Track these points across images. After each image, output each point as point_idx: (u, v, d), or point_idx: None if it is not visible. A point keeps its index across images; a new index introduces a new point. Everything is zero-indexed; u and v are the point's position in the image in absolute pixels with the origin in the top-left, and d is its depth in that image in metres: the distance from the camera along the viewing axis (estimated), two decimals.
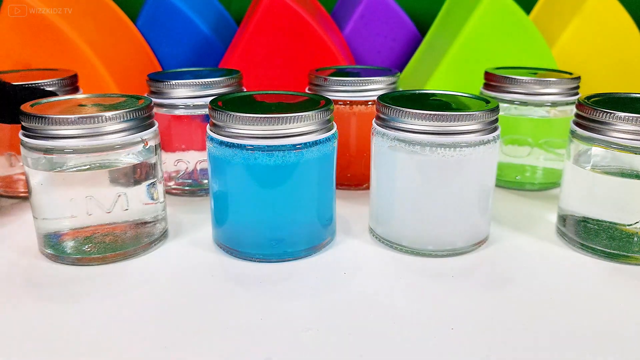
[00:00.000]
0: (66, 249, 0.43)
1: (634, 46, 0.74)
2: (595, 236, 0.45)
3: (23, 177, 0.55)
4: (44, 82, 0.53)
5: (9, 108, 0.47)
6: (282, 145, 0.41)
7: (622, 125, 0.42)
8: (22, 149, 0.42)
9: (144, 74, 0.58)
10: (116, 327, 0.36)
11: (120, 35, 0.73)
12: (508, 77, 0.57)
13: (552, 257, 0.45)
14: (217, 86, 0.54)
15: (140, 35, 0.75)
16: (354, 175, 0.59)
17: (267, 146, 0.41)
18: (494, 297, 0.40)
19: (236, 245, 0.44)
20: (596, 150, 0.44)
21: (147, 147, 0.43)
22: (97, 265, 0.43)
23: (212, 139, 0.42)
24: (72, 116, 0.40)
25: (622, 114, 0.41)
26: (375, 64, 0.81)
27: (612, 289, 0.41)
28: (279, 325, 0.36)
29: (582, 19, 0.72)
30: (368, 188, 0.51)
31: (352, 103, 0.55)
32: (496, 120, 0.44)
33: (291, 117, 0.40)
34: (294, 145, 0.41)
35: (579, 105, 0.45)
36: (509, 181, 0.60)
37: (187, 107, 0.54)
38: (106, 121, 0.41)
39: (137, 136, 0.42)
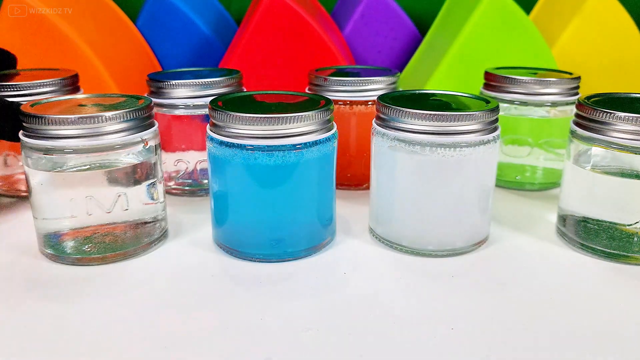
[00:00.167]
0: (66, 249, 0.43)
1: (634, 46, 0.74)
2: (595, 236, 0.45)
3: (22, 177, 0.55)
4: (44, 82, 0.53)
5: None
6: (282, 145, 0.41)
7: (622, 125, 0.42)
8: (22, 149, 0.42)
9: (144, 74, 0.58)
10: (116, 327, 0.36)
11: (120, 35, 0.73)
12: (508, 77, 0.57)
13: (552, 257, 0.45)
14: (217, 86, 0.54)
15: (140, 35, 0.75)
16: (354, 175, 0.59)
17: (267, 146, 0.41)
18: (494, 297, 0.40)
19: (236, 245, 0.44)
20: (596, 150, 0.44)
21: (147, 147, 0.43)
22: (97, 265, 0.43)
23: (212, 139, 0.42)
24: (72, 116, 0.40)
25: (622, 114, 0.41)
26: (375, 63, 0.81)
27: (612, 289, 0.41)
28: (279, 325, 0.36)
29: (582, 19, 0.72)
30: (368, 188, 0.51)
31: (352, 103, 0.55)
32: (496, 120, 0.44)
33: (291, 117, 0.40)
34: (294, 145, 0.41)
35: (579, 105, 0.45)
36: (509, 181, 0.60)
37: (187, 107, 0.54)
38: (106, 121, 0.41)
39: (137, 136, 0.42)
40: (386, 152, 0.44)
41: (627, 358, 0.33)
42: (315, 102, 0.44)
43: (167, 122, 0.54)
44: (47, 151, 0.40)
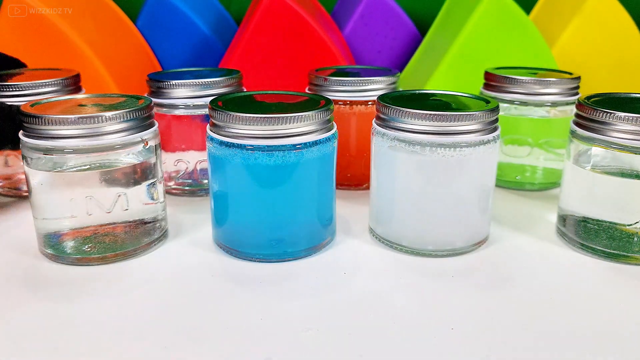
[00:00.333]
0: (66, 249, 0.43)
1: (634, 46, 0.74)
2: (595, 236, 0.45)
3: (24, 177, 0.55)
4: (46, 82, 0.53)
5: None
6: (282, 145, 0.41)
7: (622, 125, 0.42)
8: (22, 149, 0.42)
9: (144, 74, 0.58)
10: (116, 327, 0.36)
11: (120, 35, 0.73)
12: (508, 77, 0.57)
13: (552, 257, 0.45)
14: (217, 86, 0.54)
15: (140, 35, 0.75)
16: (354, 175, 0.59)
17: (267, 146, 0.41)
18: (494, 297, 0.40)
19: (236, 245, 0.44)
20: (596, 150, 0.44)
21: (147, 147, 0.43)
22: (97, 265, 0.43)
23: (212, 139, 0.42)
24: (72, 116, 0.40)
25: (622, 114, 0.41)
26: (375, 63, 0.81)
27: (612, 289, 0.41)
28: (279, 325, 0.36)
29: (582, 19, 0.72)
30: (368, 188, 0.51)
31: (352, 103, 0.55)
32: (496, 120, 0.44)
33: (291, 117, 0.40)
34: (294, 145, 0.41)
35: (579, 105, 0.45)
36: (509, 181, 0.60)
37: (187, 107, 0.54)
38: (106, 121, 0.41)
39: (137, 136, 0.42)
40: (386, 152, 0.44)
41: (627, 358, 0.33)
42: (315, 102, 0.44)
43: (167, 122, 0.54)
44: (47, 151, 0.40)
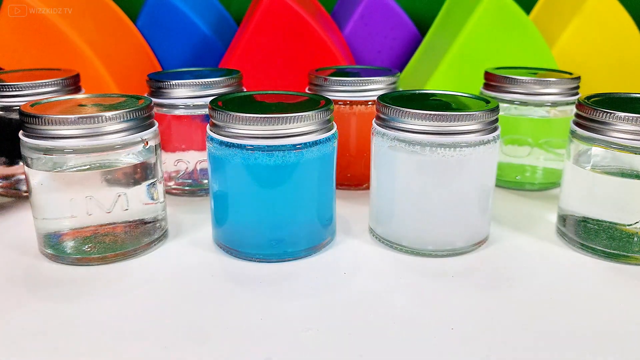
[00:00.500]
0: (66, 249, 0.43)
1: (634, 46, 0.74)
2: (595, 236, 0.45)
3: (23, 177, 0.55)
4: (46, 82, 0.53)
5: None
6: (282, 145, 0.41)
7: (622, 125, 0.42)
8: (22, 149, 0.42)
9: (144, 74, 0.58)
10: (116, 327, 0.36)
11: (120, 35, 0.73)
12: (508, 77, 0.57)
13: (552, 257, 0.45)
14: (217, 86, 0.54)
15: (140, 35, 0.75)
16: (354, 175, 0.59)
17: (267, 146, 0.41)
18: (494, 297, 0.40)
19: (236, 245, 0.44)
20: (596, 150, 0.44)
21: (147, 147, 0.43)
22: (97, 265, 0.43)
23: (212, 139, 0.42)
24: (72, 116, 0.40)
25: (622, 114, 0.41)
26: (375, 64, 0.81)
27: (612, 289, 0.41)
28: (279, 325, 0.36)
29: (582, 19, 0.72)
30: (368, 188, 0.51)
31: (352, 103, 0.55)
32: (496, 120, 0.44)
33: (291, 117, 0.40)
34: (294, 145, 0.41)
35: (579, 105, 0.45)
36: (509, 181, 0.60)
37: (187, 107, 0.54)
38: (106, 121, 0.41)
39: (137, 136, 0.42)
40: (386, 152, 0.44)
41: (627, 358, 0.33)
42: (315, 102, 0.44)
43: (167, 122, 0.54)
44: (47, 151, 0.40)
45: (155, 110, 0.49)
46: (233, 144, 0.41)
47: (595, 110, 0.43)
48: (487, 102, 0.45)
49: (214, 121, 0.42)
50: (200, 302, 0.39)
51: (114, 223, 0.43)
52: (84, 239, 0.43)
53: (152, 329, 0.36)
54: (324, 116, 0.42)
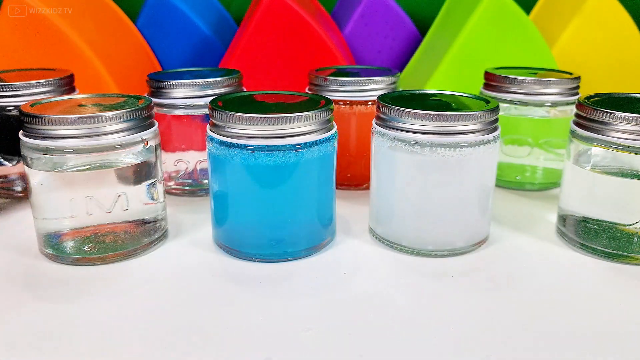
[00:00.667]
0: (66, 249, 0.43)
1: (634, 46, 0.74)
2: (595, 236, 0.45)
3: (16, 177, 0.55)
4: (40, 82, 0.52)
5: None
6: (282, 145, 0.41)
7: (622, 125, 0.42)
8: (22, 149, 0.42)
9: (144, 74, 0.58)
10: (116, 327, 0.36)
11: (120, 35, 0.73)
12: (508, 77, 0.57)
13: (552, 257, 0.45)
14: (217, 86, 0.54)
15: (140, 35, 0.75)
16: (354, 175, 0.59)
17: (267, 146, 0.41)
18: (494, 297, 0.40)
19: (236, 245, 0.44)
20: (596, 150, 0.44)
21: (147, 147, 0.43)
22: (97, 265, 0.43)
23: (212, 139, 0.42)
24: (72, 116, 0.40)
25: (622, 114, 0.41)
26: (375, 64, 0.81)
27: (612, 289, 0.41)
28: (279, 325, 0.36)
29: (582, 19, 0.72)
30: (368, 188, 0.51)
31: (352, 103, 0.55)
32: (496, 120, 0.44)
33: (291, 117, 0.40)
34: (294, 145, 0.41)
35: (579, 105, 0.45)
36: (509, 181, 0.60)
37: (187, 107, 0.54)
38: (106, 121, 0.41)
39: (137, 136, 0.42)
40: (386, 152, 0.44)
41: (627, 358, 0.33)
42: (315, 102, 0.44)
43: (167, 122, 0.54)
44: (47, 151, 0.40)
45: (155, 110, 0.49)
46: (233, 144, 0.41)
47: (595, 110, 0.43)
48: (487, 102, 0.45)
49: (214, 121, 0.42)
50: (200, 302, 0.39)
51: (114, 223, 0.43)
52: (84, 239, 0.43)
53: (152, 329, 0.36)
54: (324, 116, 0.42)
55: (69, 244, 0.43)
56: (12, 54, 0.64)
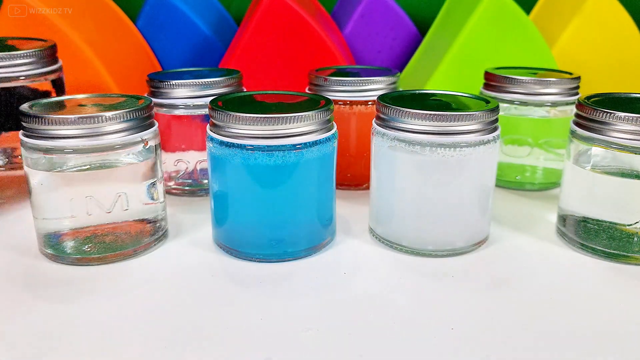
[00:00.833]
0: (66, 249, 0.43)
1: (634, 46, 0.74)
2: (595, 236, 0.45)
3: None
4: (20, 53, 0.50)
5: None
6: (282, 145, 0.41)
7: (622, 125, 0.42)
8: (22, 149, 0.42)
9: (144, 74, 0.58)
10: (116, 327, 0.36)
11: (120, 35, 0.73)
12: (508, 77, 0.57)
13: (552, 257, 0.45)
14: (217, 86, 0.54)
15: (140, 35, 0.75)
16: (354, 175, 0.59)
17: (267, 146, 0.41)
18: (494, 297, 0.40)
19: (236, 245, 0.44)
20: (596, 150, 0.44)
21: (147, 147, 0.43)
22: (97, 265, 0.43)
23: (212, 139, 0.42)
24: (72, 116, 0.40)
25: (622, 114, 0.41)
26: (375, 63, 0.81)
27: (612, 289, 0.41)
28: (279, 325, 0.36)
29: (582, 19, 0.72)
30: (368, 188, 0.51)
31: (352, 103, 0.55)
32: (496, 120, 0.44)
33: (291, 117, 0.40)
34: (294, 145, 0.41)
35: (579, 105, 0.45)
36: (509, 181, 0.60)
37: (187, 107, 0.54)
38: (106, 121, 0.41)
39: (137, 136, 0.42)
40: (386, 152, 0.44)
41: (627, 358, 0.33)
42: (315, 102, 0.44)
43: (167, 122, 0.54)
44: (47, 151, 0.41)
45: (155, 110, 0.49)
46: (233, 144, 0.41)
47: (595, 110, 0.43)
48: (487, 102, 0.45)
49: (214, 121, 0.42)
50: (200, 302, 0.39)
51: (114, 223, 0.43)
52: (84, 239, 0.43)
53: (152, 329, 0.36)
54: (324, 116, 0.42)
55: (69, 244, 0.43)
56: None
